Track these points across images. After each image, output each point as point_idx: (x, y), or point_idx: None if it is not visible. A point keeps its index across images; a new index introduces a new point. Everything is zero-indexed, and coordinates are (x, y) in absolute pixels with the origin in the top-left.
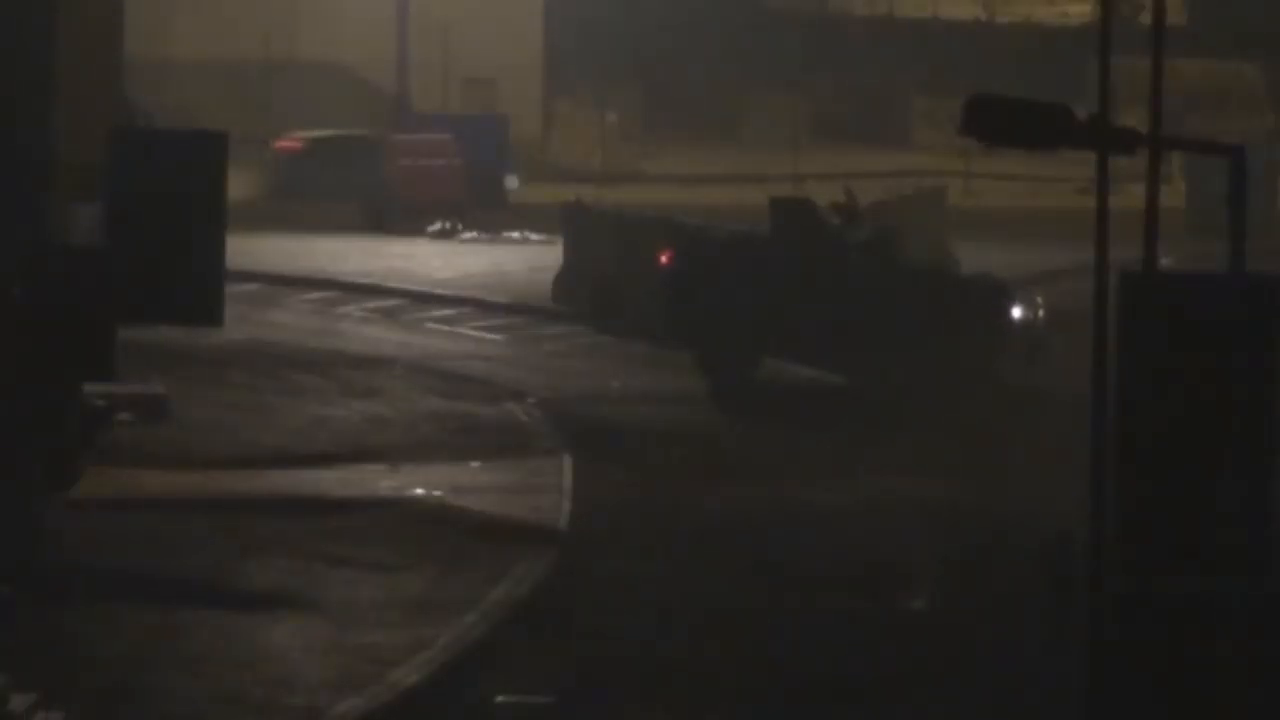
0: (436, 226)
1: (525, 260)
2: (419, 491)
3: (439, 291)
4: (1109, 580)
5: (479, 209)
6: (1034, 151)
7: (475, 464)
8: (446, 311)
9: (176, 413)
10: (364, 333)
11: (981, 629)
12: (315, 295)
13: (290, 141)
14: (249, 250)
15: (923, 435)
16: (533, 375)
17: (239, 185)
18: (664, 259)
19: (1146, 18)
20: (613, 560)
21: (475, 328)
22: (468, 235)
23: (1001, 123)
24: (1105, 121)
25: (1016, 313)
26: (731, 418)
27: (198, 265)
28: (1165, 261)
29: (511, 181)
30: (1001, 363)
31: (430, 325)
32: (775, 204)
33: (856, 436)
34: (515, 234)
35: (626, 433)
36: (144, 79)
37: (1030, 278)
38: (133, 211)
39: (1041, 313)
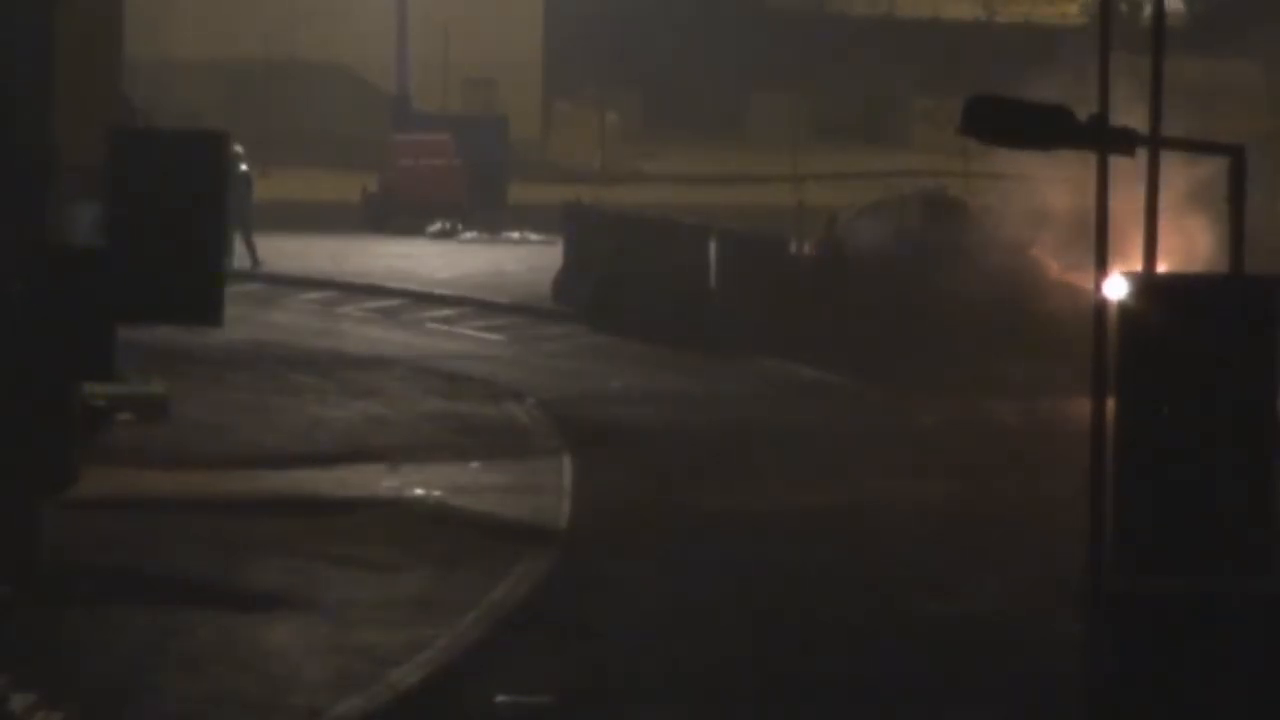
0: (436, 226)
1: (525, 260)
2: (419, 491)
3: (439, 291)
4: (1109, 580)
5: (479, 209)
6: (1034, 151)
7: (475, 464)
8: (446, 311)
9: (176, 413)
10: (364, 333)
11: (984, 632)
12: (315, 295)
13: None
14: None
15: (939, 437)
16: (533, 375)
17: None
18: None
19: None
20: (612, 560)
21: (475, 328)
22: (468, 235)
23: (1001, 123)
24: (1105, 121)
25: None
26: (732, 418)
27: (198, 265)
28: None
29: None
30: None
31: (430, 325)
32: (930, 200)
33: (860, 437)
34: (515, 234)
35: (626, 433)
36: (144, 79)
37: None
38: (133, 211)
39: None
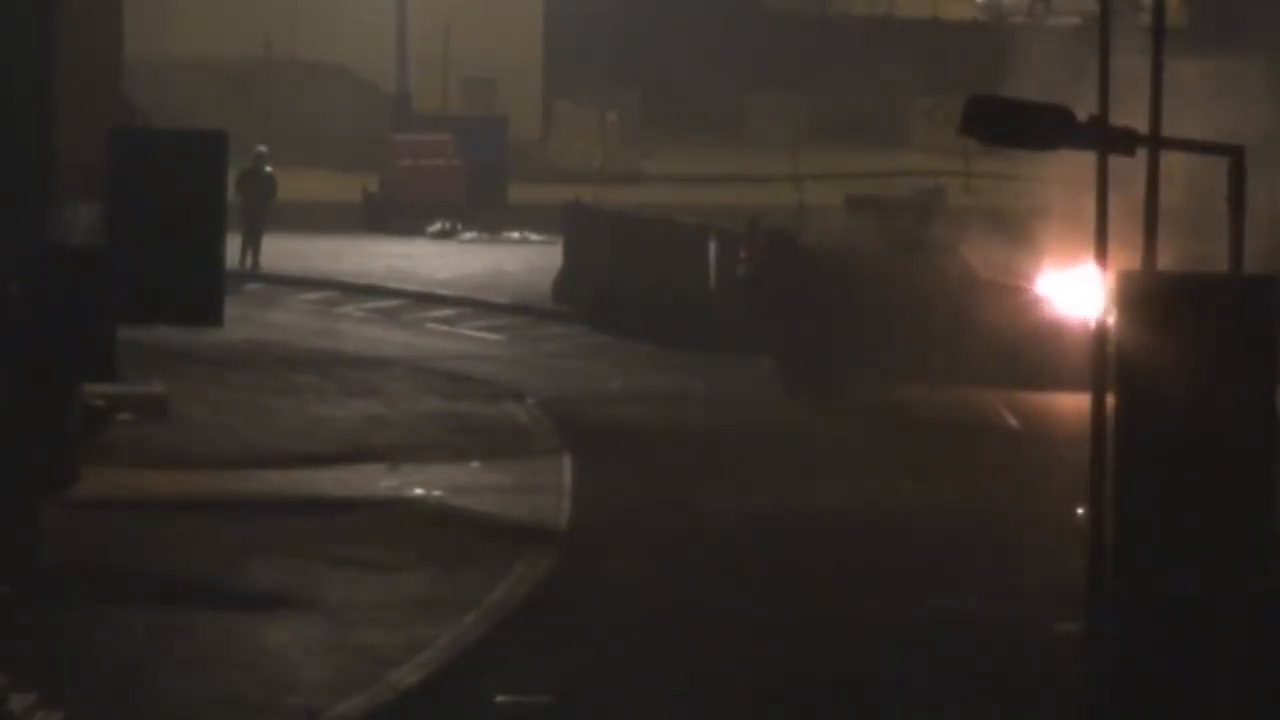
0: (436, 226)
1: (525, 260)
2: (419, 491)
3: (439, 292)
4: (1109, 580)
5: (479, 209)
6: (1034, 151)
7: (475, 464)
8: (446, 312)
9: (176, 413)
10: (364, 333)
11: (987, 632)
12: (315, 295)
13: None
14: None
15: (925, 438)
16: (533, 375)
17: None
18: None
19: (1146, 18)
20: (612, 561)
21: (475, 328)
22: (468, 235)
23: (1001, 123)
24: (1105, 121)
25: None
26: (731, 418)
27: (198, 265)
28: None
29: None
30: None
31: (430, 325)
32: (851, 201)
33: (857, 435)
34: (515, 234)
35: (626, 433)
36: (144, 79)
37: None
38: (133, 211)
39: None
